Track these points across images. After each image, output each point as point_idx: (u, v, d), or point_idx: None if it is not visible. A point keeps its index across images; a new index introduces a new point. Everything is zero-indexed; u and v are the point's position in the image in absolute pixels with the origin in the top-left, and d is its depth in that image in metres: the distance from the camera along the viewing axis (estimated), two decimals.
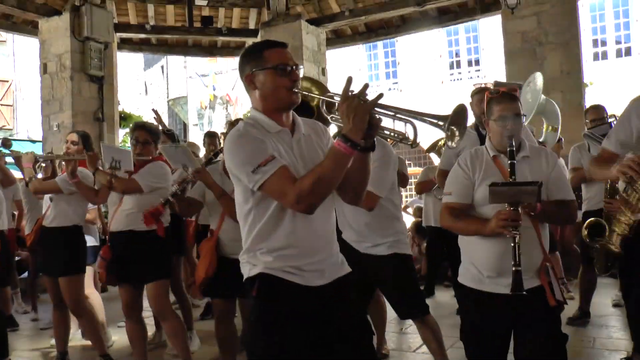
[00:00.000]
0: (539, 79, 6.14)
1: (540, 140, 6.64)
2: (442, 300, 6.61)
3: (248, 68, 2.11)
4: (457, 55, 20.06)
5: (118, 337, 5.24)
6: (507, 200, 2.39)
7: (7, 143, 4.89)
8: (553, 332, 2.53)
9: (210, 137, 6.29)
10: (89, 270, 5.16)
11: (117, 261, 3.92)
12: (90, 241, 5.20)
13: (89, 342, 5.01)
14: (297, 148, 2.09)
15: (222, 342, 3.85)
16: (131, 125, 4.53)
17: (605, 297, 5.82)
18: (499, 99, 2.72)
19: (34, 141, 15.27)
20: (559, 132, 6.76)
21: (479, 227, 2.53)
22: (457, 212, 2.65)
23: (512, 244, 2.37)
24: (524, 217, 2.43)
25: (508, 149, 2.55)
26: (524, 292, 2.36)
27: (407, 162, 5.66)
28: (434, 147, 6.83)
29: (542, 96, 6.01)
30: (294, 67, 2.11)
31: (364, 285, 3.50)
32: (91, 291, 5.24)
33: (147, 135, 4.05)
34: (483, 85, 4.54)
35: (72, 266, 4.34)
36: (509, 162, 2.53)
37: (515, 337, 2.61)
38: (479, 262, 2.60)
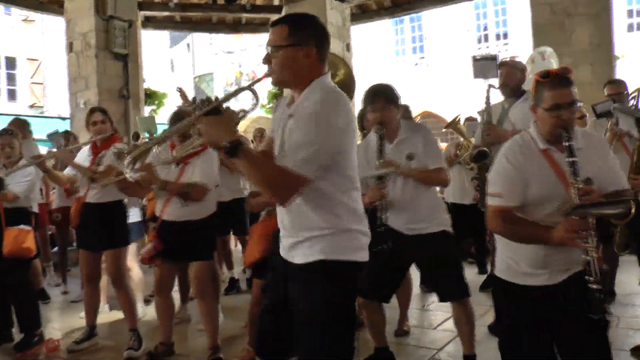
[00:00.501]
0: (547, 53, 5.94)
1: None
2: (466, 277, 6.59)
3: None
4: (485, 29, 19.69)
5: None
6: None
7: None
8: (597, 325, 2.32)
9: None
10: (133, 245, 5.29)
11: (164, 248, 3.95)
12: (134, 216, 5.33)
13: (116, 316, 5.16)
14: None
15: (253, 321, 3.84)
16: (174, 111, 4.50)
17: (631, 275, 5.73)
18: (552, 83, 2.34)
19: (63, 118, 15.51)
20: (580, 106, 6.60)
21: (544, 235, 2.23)
22: (511, 217, 2.34)
23: (586, 257, 2.16)
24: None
25: (566, 144, 2.26)
26: (604, 318, 2.22)
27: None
28: (452, 123, 6.74)
29: None
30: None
31: (402, 268, 3.58)
32: (133, 265, 5.37)
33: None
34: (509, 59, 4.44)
35: (117, 239, 4.43)
36: (570, 160, 2.24)
37: (559, 334, 2.41)
38: (523, 259, 2.40)
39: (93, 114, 4.58)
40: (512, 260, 2.46)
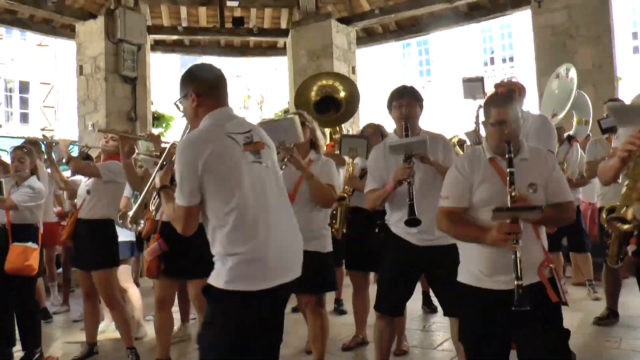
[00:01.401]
0: (571, 71, 5.99)
1: (571, 133, 6.54)
2: None
3: None
4: (491, 52, 19.82)
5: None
6: (628, 123, 2.37)
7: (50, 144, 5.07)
8: (554, 327, 2.49)
9: None
10: (127, 265, 5.33)
11: (165, 254, 3.90)
12: (127, 235, 5.27)
13: (118, 334, 5.17)
14: None
15: None
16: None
17: (635, 297, 5.66)
18: (495, 101, 2.70)
19: (74, 142, 15.67)
20: (590, 125, 6.62)
21: (480, 235, 2.49)
22: (454, 217, 2.62)
23: (514, 257, 2.34)
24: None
25: (507, 156, 2.51)
26: (528, 308, 2.31)
27: None
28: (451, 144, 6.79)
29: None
30: None
31: (414, 279, 3.59)
32: (129, 285, 5.39)
33: None
34: (506, 80, 4.46)
35: (106, 260, 4.46)
36: (508, 170, 2.48)
37: (516, 336, 2.56)
38: (477, 260, 2.57)
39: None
40: (471, 264, 2.62)
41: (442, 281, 3.43)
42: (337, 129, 6.28)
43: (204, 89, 2.46)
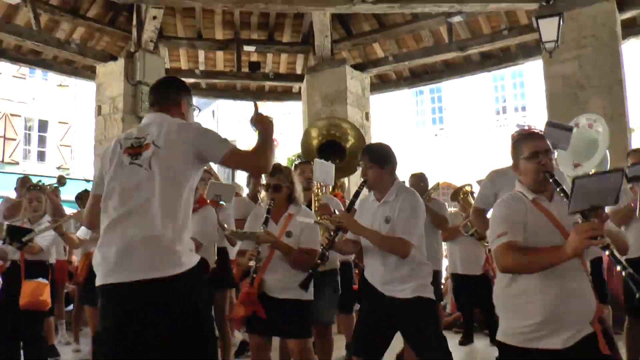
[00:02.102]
0: (598, 123, 5.84)
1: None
2: (479, 347, 6.45)
3: None
4: (503, 101, 19.99)
5: None
6: (586, 202, 2.14)
7: (62, 181, 5.15)
8: None
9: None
10: None
11: None
12: None
13: None
14: None
15: None
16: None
17: None
18: (527, 137, 2.64)
19: (88, 180, 15.88)
20: None
21: (555, 252, 2.24)
22: (520, 248, 2.36)
23: (607, 253, 2.11)
24: (577, 262, 2.34)
25: (551, 179, 2.42)
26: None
27: None
28: (456, 194, 6.80)
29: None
30: None
31: (386, 329, 3.50)
32: None
33: None
34: (526, 128, 4.37)
35: None
36: (558, 188, 2.36)
37: None
38: (527, 315, 2.37)
39: None
40: (518, 320, 2.42)
41: (409, 334, 3.45)
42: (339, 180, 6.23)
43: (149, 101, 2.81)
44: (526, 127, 4.36)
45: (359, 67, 10.98)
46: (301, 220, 3.73)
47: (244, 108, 26.16)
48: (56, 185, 5.29)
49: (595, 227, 2.10)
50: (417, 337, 3.38)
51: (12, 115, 22.60)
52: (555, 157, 2.69)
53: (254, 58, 11.21)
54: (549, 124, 4.36)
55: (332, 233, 3.52)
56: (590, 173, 2.57)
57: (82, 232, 4.84)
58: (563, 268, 2.27)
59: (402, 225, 3.37)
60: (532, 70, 15.86)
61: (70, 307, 7.52)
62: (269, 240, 3.61)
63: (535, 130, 2.79)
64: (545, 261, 2.28)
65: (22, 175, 7.58)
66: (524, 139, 2.62)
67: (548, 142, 2.60)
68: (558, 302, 2.31)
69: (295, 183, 3.94)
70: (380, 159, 3.54)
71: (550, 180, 2.43)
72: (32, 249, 4.58)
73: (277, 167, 3.96)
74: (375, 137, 11.44)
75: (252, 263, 3.62)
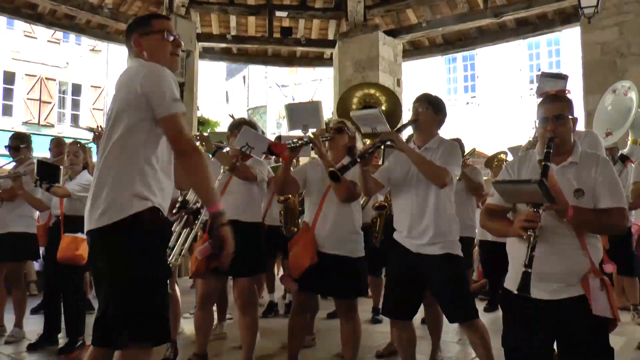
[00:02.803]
0: (631, 89, 5.74)
1: (624, 152, 6.36)
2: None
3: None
4: (537, 69, 19.56)
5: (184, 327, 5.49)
6: (513, 200, 2.51)
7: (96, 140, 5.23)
8: (597, 343, 2.42)
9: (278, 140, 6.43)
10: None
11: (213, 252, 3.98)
12: None
13: None
14: None
15: (292, 332, 3.93)
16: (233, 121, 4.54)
17: None
18: (542, 101, 2.71)
19: None
20: None
21: (506, 227, 2.54)
22: (493, 213, 2.68)
23: (527, 245, 2.32)
24: (566, 223, 2.40)
25: (544, 150, 2.49)
26: (529, 295, 2.29)
27: None
28: (491, 162, 6.72)
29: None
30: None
31: (416, 289, 3.53)
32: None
33: None
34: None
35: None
36: (543, 163, 2.44)
37: (558, 347, 2.54)
38: (518, 265, 2.47)
39: None
40: (514, 270, 2.56)
41: (437, 290, 3.45)
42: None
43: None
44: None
45: (392, 33, 10.85)
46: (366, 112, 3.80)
47: (275, 74, 26.17)
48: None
49: (530, 220, 2.32)
50: (445, 293, 3.40)
51: (47, 79, 23.00)
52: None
53: (286, 24, 11.16)
54: (542, 74, 4.33)
55: (376, 145, 3.47)
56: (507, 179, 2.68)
57: None
58: (549, 230, 2.42)
59: (444, 159, 3.39)
60: (569, 38, 15.46)
61: None
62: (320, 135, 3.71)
63: (555, 93, 2.85)
64: (499, 231, 2.66)
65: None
66: (540, 102, 2.71)
67: (560, 106, 2.62)
68: (541, 258, 2.38)
69: (357, 138, 3.98)
70: (437, 105, 3.57)
71: (544, 150, 2.49)
72: (57, 190, 4.63)
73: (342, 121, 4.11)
74: (406, 104, 11.36)
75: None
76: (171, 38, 2.56)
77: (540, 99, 2.73)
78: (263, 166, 4.23)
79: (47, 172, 4.62)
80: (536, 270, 2.40)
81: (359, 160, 3.35)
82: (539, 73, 19.06)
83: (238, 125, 4.28)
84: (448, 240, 3.41)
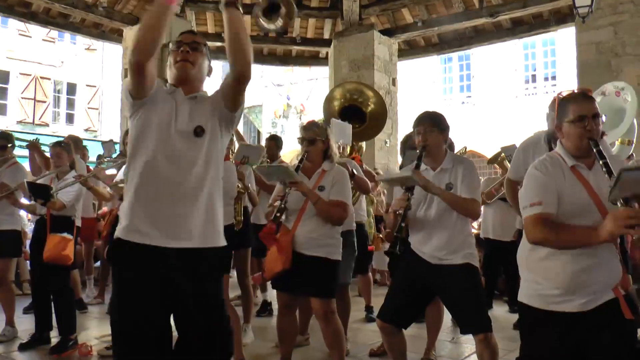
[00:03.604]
0: (626, 91, 5.71)
1: (613, 152, 6.39)
2: (498, 314, 6.47)
3: None
4: (533, 69, 19.57)
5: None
6: (634, 191, 2.00)
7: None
8: (627, 345, 2.30)
9: (271, 140, 6.42)
10: None
11: None
12: None
13: None
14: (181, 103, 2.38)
15: (281, 333, 3.92)
16: None
17: None
18: (575, 98, 2.47)
19: (115, 143, 16.09)
20: (632, 146, 6.45)
21: (589, 236, 2.15)
22: (552, 223, 2.27)
23: (618, 251, 2.16)
24: None
25: (594, 149, 2.28)
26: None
27: None
28: (495, 159, 6.72)
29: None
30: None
31: (421, 299, 3.51)
32: None
33: None
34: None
35: None
36: (602, 161, 2.22)
37: (589, 352, 2.36)
38: (553, 279, 2.33)
39: None
40: (539, 284, 2.39)
41: (454, 300, 3.38)
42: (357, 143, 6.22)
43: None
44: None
45: (387, 32, 10.86)
46: (396, 175, 3.72)
47: (271, 73, 26.12)
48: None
49: (634, 215, 1.97)
50: (463, 303, 3.32)
51: (41, 78, 22.91)
52: (604, 121, 2.48)
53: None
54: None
55: (407, 194, 3.33)
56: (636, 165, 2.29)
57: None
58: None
59: (469, 188, 3.34)
60: (564, 39, 15.49)
61: (98, 263, 7.71)
62: (297, 182, 3.56)
63: (585, 92, 2.65)
64: (577, 242, 2.23)
65: (52, 138, 7.75)
66: (572, 100, 2.45)
67: (596, 106, 2.41)
68: (587, 272, 2.27)
69: (331, 140, 3.90)
70: (440, 123, 3.47)
71: (594, 150, 2.29)
72: (54, 205, 4.68)
73: (313, 122, 4.01)
74: (401, 103, 11.36)
75: (277, 203, 3.64)
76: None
77: (563, 99, 2.52)
78: (251, 175, 4.56)
79: (39, 191, 4.69)
80: (570, 283, 2.29)
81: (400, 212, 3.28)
82: (534, 73, 19.17)
83: None
84: (467, 252, 3.37)
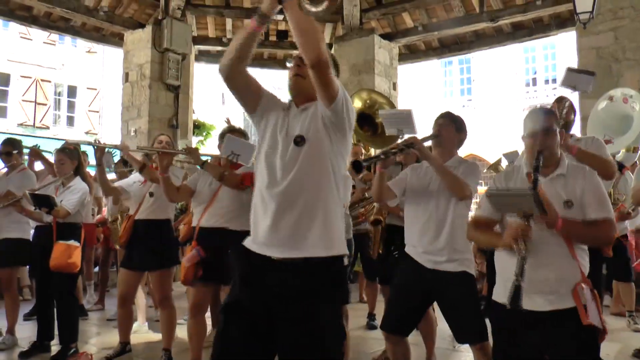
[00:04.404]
0: (635, 98, 5.63)
1: (618, 159, 6.35)
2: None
3: None
4: (533, 72, 19.57)
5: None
6: (505, 211, 2.51)
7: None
8: (589, 355, 2.40)
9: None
10: None
11: (202, 260, 3.97)
12: None
13: (152, 337, 5.29)
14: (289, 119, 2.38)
15: None
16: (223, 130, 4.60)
17: None
18: (531, 114, 2.72)
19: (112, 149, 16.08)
20: (638, 153, 6.42)
21: (495, 239, 2.56)
22: (480, 224, 2.68)
23: (518, 258, 2.31)
24: (555, 234, 2.39)
25: (534, 163, 2.49)
26: (521, 306, 2.28)
27: None
28: (496, 166, 6.72)
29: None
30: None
31: (420, 305, 3.48)
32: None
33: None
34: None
35: (165, 259, 4.54)
36: (533, 177, 2.45)
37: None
38: (508, 277, 2.42)
39: (159, 137, 4.74)
40: (503, 282, 2.52)
41: (449, 308, 3.36)
42: (367, 150, 6.24)
43: None
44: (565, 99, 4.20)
45: (388, 36, 10.84)
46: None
47: (270, 76, 26.11)
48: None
49: (521, 231, 2.32)
50: (458, 312, 3.30)
51: (42, 80, 22.92)
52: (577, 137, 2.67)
53: (282, 27, 11.13)
54: (569, 70, 4.22)
55: (399, 147, 3.38)
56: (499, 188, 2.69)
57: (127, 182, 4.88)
58: (538, 241, 2.38)
59: (465, 174, 3.34)
60: (565, 42, 15.47)
61: (97, 269, 7.70)
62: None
63: (541, 107, 2.90)
64: (487, 243, 2.73)
65: (52, 141, 7.74)
66: (528, 115, 2.72)
67: (550, 120, 2.64)
68: (531, 269, 2.35)
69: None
70: (459, 124, 3.54)
71: (538, 159, 2.49)
72: (58, 212, 4.66)
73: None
74: (402, 106, 11.34)
75: None
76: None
77: (528, 111, 2.74)
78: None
79: (42, 201, 4.67)
80: (526, 281, 2.37)
81: (382, 157, 3.28)
82: (535, 76, 19.16)
83: (223, 135, 4.31)
84: (465, 258, 3.34)
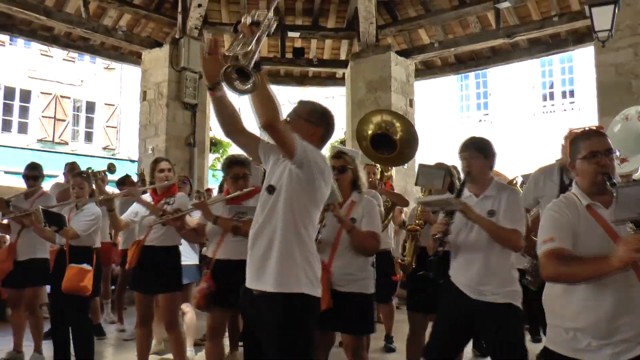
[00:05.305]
0: None
1: (635, 177, 6.25)
2: None
3: None
4: (550, 86, 19.44)
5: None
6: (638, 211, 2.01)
7: (112, 168, 5.24)
8: None
9: None
10: (189, 288, 5.49)
11: (218, 286, 4.02)
12: (192, 259, 5.66)
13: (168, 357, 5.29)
14: None
15: None
16: (225, 159, 4.71)
17: None
18: (586, 135, 2.44)
19: (133, 161, 16.23)
20: None
21: (601, 264, 2.04)
22: (565, 256, 2.17)
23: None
24: (632, 274, 2.11)
25: (608, 183, 2.21)
26: None
27: None
28: (511, 184, 6.64)
29: None
30: None
31: (464, 335, 3.42)
32: (187, 309, 5.52)
33: (244, 169, 4.26)
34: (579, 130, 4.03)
35: (171, 283, 4.57)
36: (615, 193, 2.14)
37: None
38: (579, 323, 2.20)
39: (160, 163, 4.83)
40: (566, 330, 2.28)
41: (494, 340, 3.28)
42: (388, 168, 6.18)
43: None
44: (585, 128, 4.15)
45: (404, 53, 10.83)
46: (435, 198, 3.68)
47: (287, 93, 26.22)
48: (107, 173, 5.39)
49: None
50: (501, 345, 3.21)
51: (61, 97, 23.21)
52: (618, 155, 2.46)
53: (298, 44, 11.19)
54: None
55: (447, 218, 3.32)
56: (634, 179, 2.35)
57: (130, 215, 4.91)
58: (622, 277, 2.08)
59: (512, 218, 3.21)
60: (582, 55, 15.37)
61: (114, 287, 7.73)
62: (336, 211, 3.50)
63: (595, 129, 2.63)
64: (589, 273, 2.10)
65: (71, 156, 7.83)
66: (583, 136, 2.41)
67: (609, 141, 2.36)
68: (613, 314, 2.13)
69: (359, 169, 3.84)
70: (486, 150, 3.40)
71: (608, 184, 2.22)
72: (66, 232, 4.70)
73: (342, 150, 4.05)
74: (418, 122, 11.32)
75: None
76: None
77: (574, 138, 2.48)
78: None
79: (53, 218, 4.74)
80: (600, 327, 2.17)
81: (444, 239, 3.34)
82: (552, 90, 19.00)
83: (229, 165, 4.34)
84: (510, 289, 3.24)
